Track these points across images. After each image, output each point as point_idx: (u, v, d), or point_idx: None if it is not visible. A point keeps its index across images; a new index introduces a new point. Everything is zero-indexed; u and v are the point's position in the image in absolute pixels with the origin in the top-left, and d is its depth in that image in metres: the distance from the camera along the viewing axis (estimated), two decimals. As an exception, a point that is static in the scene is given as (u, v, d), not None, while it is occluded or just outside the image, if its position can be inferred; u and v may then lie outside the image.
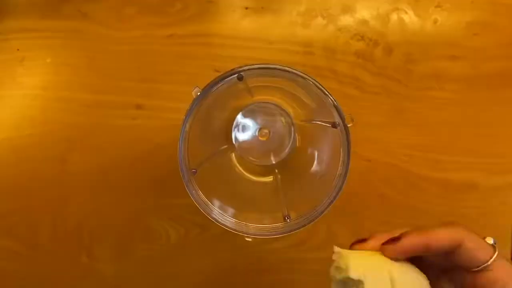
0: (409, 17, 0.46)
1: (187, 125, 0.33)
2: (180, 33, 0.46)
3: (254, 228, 0.34)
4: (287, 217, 0.34)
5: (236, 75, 0.32)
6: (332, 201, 0.33)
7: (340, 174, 0.33)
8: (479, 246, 0.25)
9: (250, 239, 0.34)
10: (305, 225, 0.33)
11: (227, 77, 0.32)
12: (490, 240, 0.27)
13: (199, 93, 0.32)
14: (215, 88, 0.33)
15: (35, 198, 0.46)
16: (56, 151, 0.46)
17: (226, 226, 0.34)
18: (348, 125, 0.32)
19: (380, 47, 0.46)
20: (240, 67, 0.32)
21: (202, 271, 0.47)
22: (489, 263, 0.25)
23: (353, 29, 0.46)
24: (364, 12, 0.46)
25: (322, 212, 0.33)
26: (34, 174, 0.46)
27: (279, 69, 0.32)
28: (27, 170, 0.46)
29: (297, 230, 0.33)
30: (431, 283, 0.27)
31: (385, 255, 0.27)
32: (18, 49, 0.46)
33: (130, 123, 0.46)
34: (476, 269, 0.25)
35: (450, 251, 0.26)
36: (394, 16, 0.46)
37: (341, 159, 0.33)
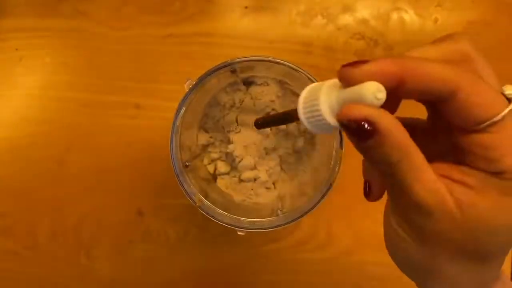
0: (410, 17, 0.46)
1: (179, 118, 0.33)
2: (179, 33, 0.46)
3: (246, 221, 0.34)
4: (280, 211, 0.34)
5: (229, 67, 0.32)
6: (324, 195, 0.32)
7: (333, 167, 0.33)
8: (483, 99, 0.17)
9: (242, 233, 0.34)
10: (297, 219, 0.33)
11: (220, 69, 0.32)
12: (509, 89, 0.19)
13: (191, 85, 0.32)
14: (207, 80, 0.33)
15: (33, 198, 0.46)
16: (55, 151, 0.46)
17: (218, 220, 0.33)
18: None
19: (380, 47, 0.46)
20: (232, 59, 0.32)
21: (201, 271, 0.46)
22: (495, 120, 0.17)
23: (353, 28, 0.46)
24: (364, 12, 0.46)
25: (315, 206, 0.32)
26: (32, 174, 0.46)
27: (271, 62, 0.32)
28: (26, 170, 0.46)
29: (290, 224, 0.33)
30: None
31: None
32: (16, 49, 0.46)
33: (129, 122, 0.46)
34: (475, 129, 0.18)
35: (436, 99, 0.18)
36: (394, 16, 0.46)
37: (334, 152, 0.33)
